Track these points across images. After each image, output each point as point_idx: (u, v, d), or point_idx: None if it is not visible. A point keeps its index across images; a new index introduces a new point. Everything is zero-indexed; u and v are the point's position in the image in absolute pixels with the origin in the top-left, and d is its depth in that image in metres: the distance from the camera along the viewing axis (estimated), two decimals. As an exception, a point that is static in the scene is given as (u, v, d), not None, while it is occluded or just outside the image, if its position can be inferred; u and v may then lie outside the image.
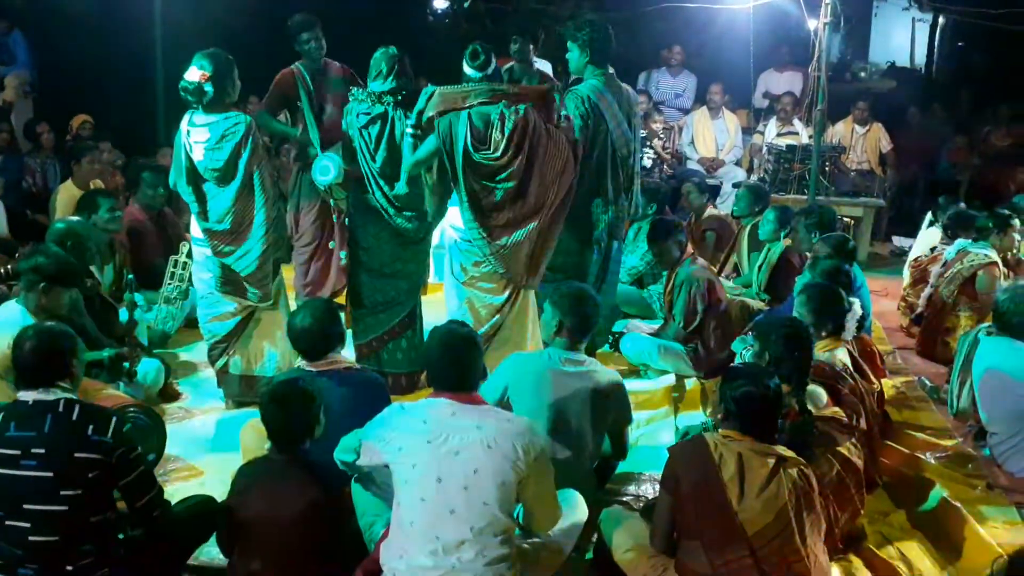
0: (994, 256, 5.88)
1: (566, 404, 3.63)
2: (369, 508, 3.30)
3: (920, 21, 15.40)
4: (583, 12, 10.04)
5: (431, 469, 2.91)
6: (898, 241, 9.43)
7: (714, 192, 8.85)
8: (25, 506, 2.91)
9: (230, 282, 4.74)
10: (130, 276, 5.44)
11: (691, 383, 5.36)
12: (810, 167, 7.95)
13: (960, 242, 6.17)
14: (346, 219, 5.28)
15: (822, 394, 3.82)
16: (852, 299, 4.40)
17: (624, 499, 4.09)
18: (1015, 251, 6.25)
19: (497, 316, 4.73)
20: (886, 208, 9.46)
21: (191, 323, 5.76)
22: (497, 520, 2.91)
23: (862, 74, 15.42)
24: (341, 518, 3.27)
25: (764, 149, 9.18)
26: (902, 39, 16.05)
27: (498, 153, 4.40)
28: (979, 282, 5.82)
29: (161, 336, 5.73)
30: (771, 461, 3.03)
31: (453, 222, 4.82)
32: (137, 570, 3.14)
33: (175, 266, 5.83)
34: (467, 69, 4.52)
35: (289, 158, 5.89)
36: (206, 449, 4.53)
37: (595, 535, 3.52)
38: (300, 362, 3.78)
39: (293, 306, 4.80)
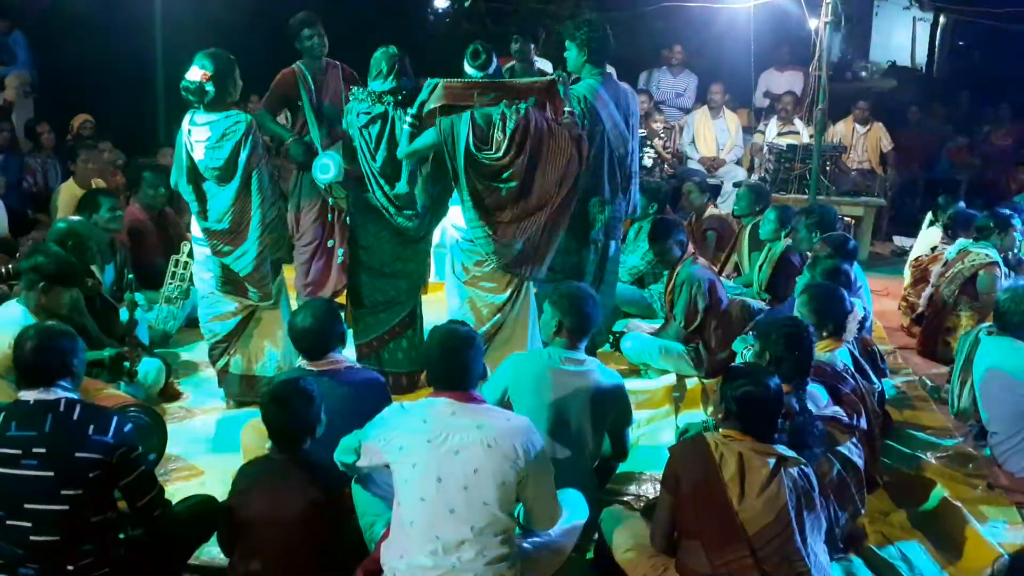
0: (995, 256, 5.88)
1: (566, 403, 3.63)
2: (369, 508, 3.30)
3: (921, 20, 15.42)
4: (584, 11, 10.04)
5: (431, 469, 2.91)
6: (899, 241, 9.42)
7: (715, 192, 8.85)
8: (26, 506, 2.92)
9: (231, 282, 4.74)
10: (130, 276, 5.46)
11: (692, 383, 5.36)
12: (811, 167, 7.95)
13: (961, 242, 6.17)
14: (346, 218, 5.28)
15: (822, 394, 3.82)
16: (854, 300, 4.40)
17: (625, 498, 4.09)
18: (1016, 251, 6.24)
19: (498, 315, 4.73)
20: (887, 207, 9.45)
21: (192, 323, 5.76)
22: (497, 520, 2.91)
23: (863, 73, 15.45)
24: (342, 518, 3.27)
25: (765, 148, 9.17)
26: (903, 38, 16.06)
27: (500, 153, 4.40)
28: (980, 282, 5.82)
29: (162, 336, 5.73)
30: (771, 461, 3.03)
31: (455, 222, 4.82)
32: (138, 570, 3.15)
33: (176, 266, 5.84)
34: (468, 69, 4.53)
35: (285, 158, 5.90)
36: (207, 449, 4.53)
37: (595, 534, 3.52)
38: (301, 362, 3.78)
39: (294, 306, 4.80)
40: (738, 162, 9.70)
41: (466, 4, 11.54)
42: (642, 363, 5.51)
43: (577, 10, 10.47)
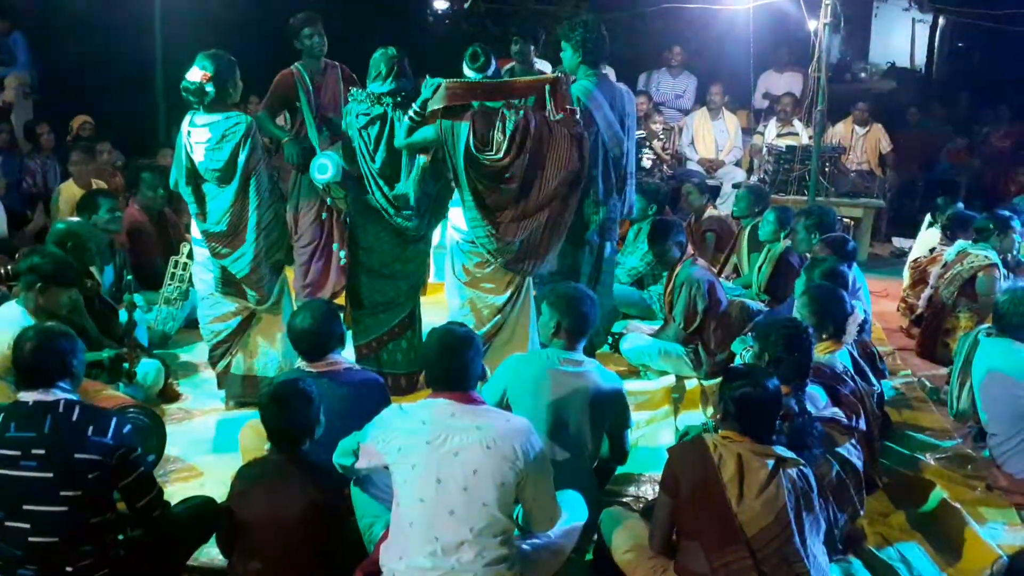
0: (994, 258, 5.88)
1: (565, 404, 3.63)
2: (368, 509, 3.29)
3: (920, 22, 15.44)
4: (583, 13, 10.04)
5: (430, 470, 2.91)
6: (898, 242, 9.42)
7: (714, 193, 8.85)
8: (25, 507, 2.92)
9: (231, 283, 4.74)
10: (129, 277, 5.46)
11: (691, 384, 5.36)
12: (810, 168, 7.96)
13: (960, 243, 6.17)
14: (346, 219, 5.28)
15: (821, 395, 3.82)
16: (854, 303, 4.40)
17: (624, 500, 4.09)
18: (1015, 252, 6.25)
19: (498, 316, 4.74)
20: (886, 209, 9.46)
21: (191, 324, 5.76)
22: (496, 521, 2.91)
23: (862, 75, 15.47)
24: (341, 519, 3.27)
25: (764, 150, 9.17)
26: (902, 40, 16.08)
27: (500, 154, 4.40)
28: (979, 284, 5.82)
29: (161, 337, 5.73)
30: (770, 462, 3.03)
31: (455, 223, 4.82)
32: (137, 571, 3.15)
33: (175, 267, 5.84)
34: (467, 71, 4.53)
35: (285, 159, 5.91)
36: (206, 450, 4.53)
37: (595, 536, 3.52)
38: (300, 363, 3.78)
39: (294, 307, 4.80)
40: (737, 163, 9.70)
41: (466, 5, 11.55)
42: (641, 364, 5.51)
43: (577, 11, 10.48)
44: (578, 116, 4.55)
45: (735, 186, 8.91)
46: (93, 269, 5.08)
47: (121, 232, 5.88)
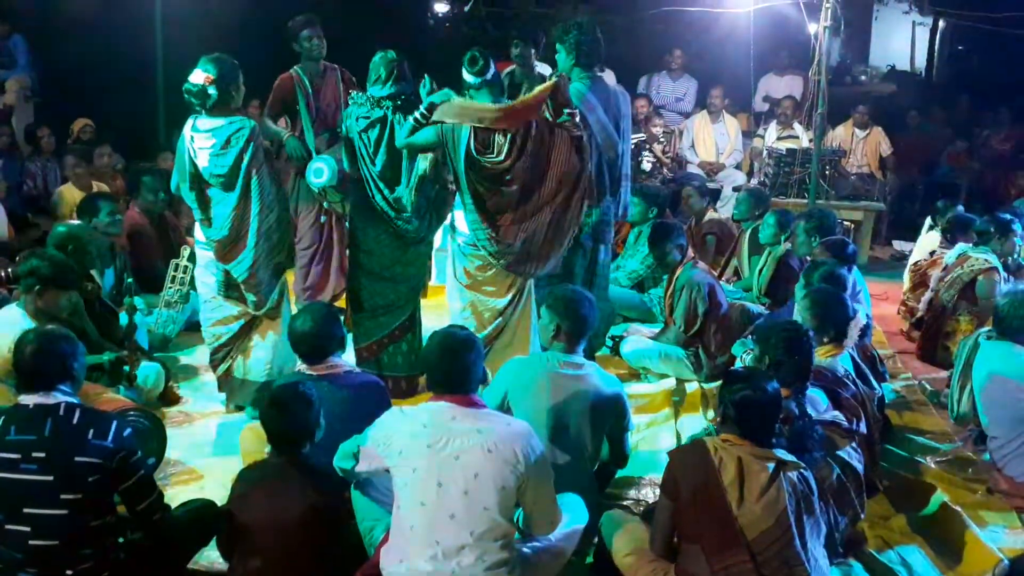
0: (994, 261, 5.88)
1: (565, 407, 3.63)
2: (369, 512, 3.30)
3: (920, 25, 15.44)
4: (583, 15, 10.04)
5: (431, 473, 2.91)
6: (898, 245, 9.42)
7: (714, 196, 8.85)
8: (25, 510, 2.92)
9: (233, 286, 4.73)
10: (130, 280, 5.45)
11: (691, 387, 5.36)
12: (810, 171, 7.96)
13: (961, 246, 6.17)
14: (346, 222, 5.29)
15: (822, 398, 3.82)
16: (857, 307, 4.40)
17: (624, 503, 4.09)
18: (1016, 256, 6.25)
19: (499, 319, 4.73)
20: (886, 212, 9.46)
21: (192, 327, 5.76)
22: (497, 525, 2.91)
23: (862, 78, 15.46)
24: (341, 522, 3.27)
25: (764, 153, 9.17)
26: (902, 43, 16.07)
27: (501, 157, 4.40)
28: (979, 287, 5.81)
29: (162, 340, 5.73)
30: (771, 465, 3.03)
31: (456, 225, 4.82)
32: (137, 574, 3.15)
33: (176, 270, 5.83)
34: (466, 75, 4.53)
35: (285, 161, 5.92)
36: (206, 453, 4.53)
37: (595, 539, 3.52)
38: (300, 366, 3.78)
39: (294, 310, 4.80)
40: (737, 166, 9.70)
41: (466, 9, 11.55)
42: (641, 367, 5.51)
43: (577, 14, 10.48)
44: (578, 119, 4.56)
45: (735, 189, 8.92)
46: (93, 272, 5.08)
47: (121, 235, 5.88)
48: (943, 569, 3.68)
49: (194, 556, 3.43)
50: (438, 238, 5.41)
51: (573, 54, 5.01)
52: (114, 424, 3.03)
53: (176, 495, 3.88)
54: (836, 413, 3.80)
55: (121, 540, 3.18)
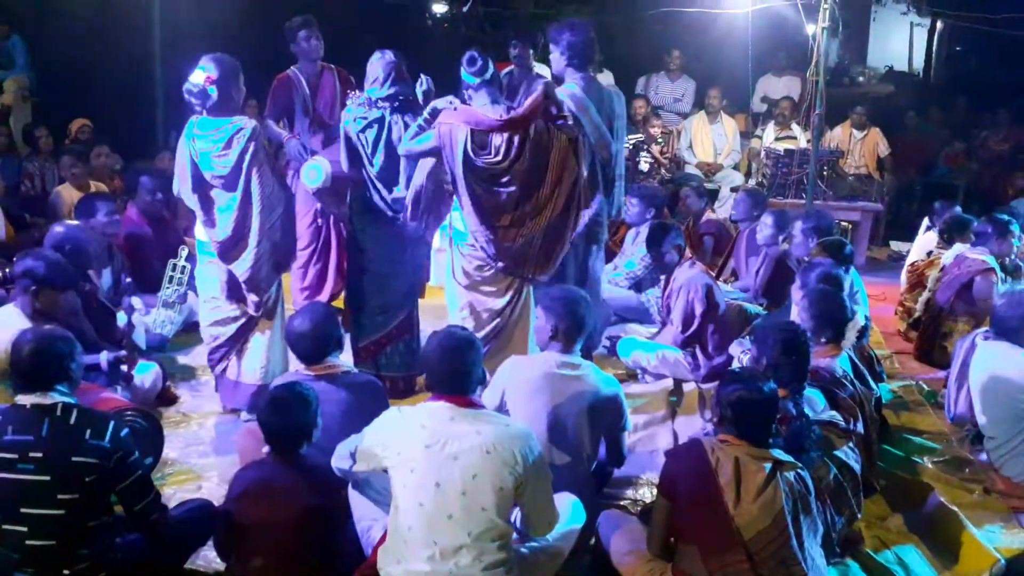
0: (992, 262, 5.88)
1: (563, 408, 3.63)
2: (366, 512, 3.30)
3: (918, 26, 15.47)
4: (582, 15, 10.04)
5: (429, 474, 2.91)
6: (896, 245, 9.42)
7: (712, 196, 8.86)
8: (22, 510, 2.91)
9: (234, 287, 4.73)
10: (128, 280, 5.45)
11: (689, 387, 5.36)
12: (808, 171, 7.97)
13: (958, 247, 6.18)
14: (343, 222, 5.29)
15: (820, 398, 3.82)
16: (855, 308, 4.40)
17: (622, 503, 4.09)
18: (1013, 256, 6.25)
19: (498, 319, 4.73)
20: (884, 212, 9.46)
21: (189, 327, 5.76)
22: (495, 525, 2.91)
23: (860, 79, 15.48)
24: (338, 522, 3.27)
25: (762, 153, 9.18)
26: (900, 44, 16.10)
27: (499, 157, 4.40)
28: (977, 288, 5.82)
29: (159, 340, 5.73)
30: (767, 465, 3.03)
31: (455, 226, 4.82)
32: (134, 574, 3.14)
33: (174, 270, 5.83)
34: (465, 75, 4.52)
35: (282, 162, 5.93)
36: (204, 453, 4.52)
37: (592, 539, 3.52)
38: (298, 366, 3.78)
39: (292, 311, 4.79)
40: (735, 167, 9.71)
41: (464, 9, 11.55)
42: (639, 367, 5.51)
43: (575, 15, 10.48)
44: (571, 121, 4.56)
45: (733, 190, 8.93)
46: (91, 272, 5.08)
47: (119, 235, 5.88)
48: (940, 569, 3.68)
49: (191, 556, 3.43)
50: (437, 238, 5.41)
51: (566, 54, 4.99)
52: (111, 424, 3.03)
53: (173, 495, 3.88)
54: (833, 413, 3.81)
55: (118, 540, 3.17)
